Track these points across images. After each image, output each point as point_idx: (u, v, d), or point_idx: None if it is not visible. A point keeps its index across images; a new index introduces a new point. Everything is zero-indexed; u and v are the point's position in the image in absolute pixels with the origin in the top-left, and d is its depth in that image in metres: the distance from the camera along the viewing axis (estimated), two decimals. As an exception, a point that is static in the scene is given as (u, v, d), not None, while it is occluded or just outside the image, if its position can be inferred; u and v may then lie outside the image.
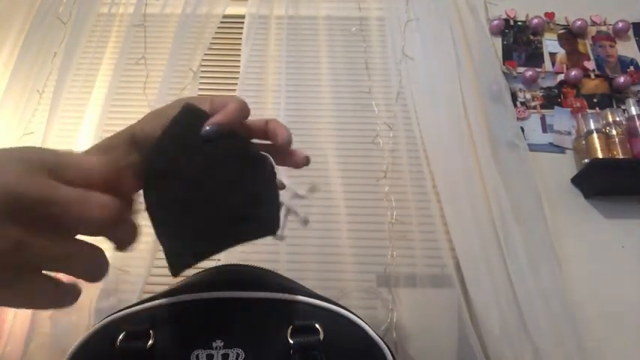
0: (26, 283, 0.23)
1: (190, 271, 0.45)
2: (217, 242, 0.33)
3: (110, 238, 0.28)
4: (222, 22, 1.21)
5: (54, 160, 0.24)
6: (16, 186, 0.22)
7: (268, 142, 0.39)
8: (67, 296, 0.25)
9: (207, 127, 0.34)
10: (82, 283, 0.26)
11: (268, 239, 0.35)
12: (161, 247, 0.33)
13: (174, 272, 0.32)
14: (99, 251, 0.26)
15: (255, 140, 0.40)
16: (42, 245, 0.23)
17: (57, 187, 0.23)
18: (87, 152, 0.34)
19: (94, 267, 0.25)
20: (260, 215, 0.35)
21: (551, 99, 1.15)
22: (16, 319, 0.86)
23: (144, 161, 0.33)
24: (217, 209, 0.33)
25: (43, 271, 0.24)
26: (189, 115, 0.35)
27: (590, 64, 1.19)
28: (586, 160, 1.02)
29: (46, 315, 0.87)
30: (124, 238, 0.28)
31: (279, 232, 0.35)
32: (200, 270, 0.45)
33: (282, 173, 0.38)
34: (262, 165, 0.37)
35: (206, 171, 0.34)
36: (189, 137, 0.34)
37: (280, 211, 0.36)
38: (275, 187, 0.38)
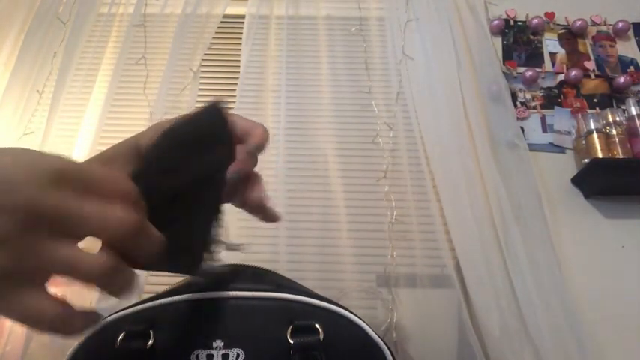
0: (27, 294, 0.22)
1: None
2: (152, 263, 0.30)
3: (131, 248, 0.25)
4: (222, 22, 1.21)
5: (83, 175, 0.24)
6: (30, 198, 0.21)
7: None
8: (73, 321, 0.23)
9: (236, 171, 0.33)
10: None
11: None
12: None
13: None
14: (117, 263, 0.24)
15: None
16: (50, 254, 0.22)
17: (75, 200, 0.22)
18: (88, 162, 0.33)
19: (116, 278, 0.24)
20: (197, 252, 0.32)
21: (551, 99, 1.15)
22: (16, 319, 0.86)
23: (149, 146, 0.31)
24: (182, 228, 0.30)
25: (47, 290, 0.23)
26: (212, 115, 0.33)
27: (590, 64, 1.19)
28: (586, 160, 1.02)
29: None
30: (146, 250, 0.26)
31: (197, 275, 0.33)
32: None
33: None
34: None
35: (198, 180, 0.31)
36: (204, 137, 0.32)
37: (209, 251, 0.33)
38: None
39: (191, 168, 0.32)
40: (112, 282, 0.24)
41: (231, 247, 0.38)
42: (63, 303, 0.23)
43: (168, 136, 0.33)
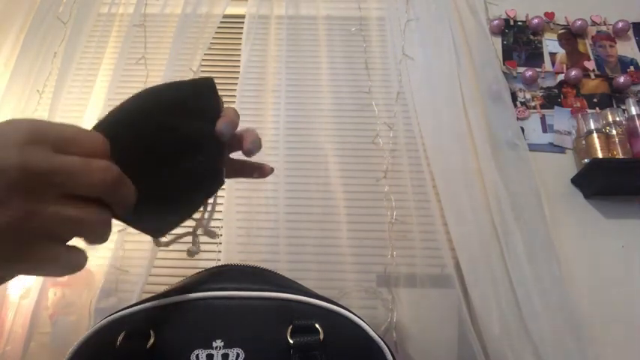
0: (40, 252, 0.24)
1: (191, 271, 0.45)
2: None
3: (113, 200, 0.27)
4: (222, 22, 1.21)
5: (58, 134, 0.25)
6: (19, 159, 0.23)
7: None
8: (78, 261, 0.26)
9: (224, 126, 0.34)
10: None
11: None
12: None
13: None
14: (106, 215, 0.27)
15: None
16: (52, 212, 0.24)
17: (58, 156, 0.24)
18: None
19: (103, 230, 0.27)
20: (163, 216, 0.33)
21: (551, 99, 1.15)
22: (16, 319, 0.86)
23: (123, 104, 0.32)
24: (156, 190, 0.31)
25: (56, 240, 0.25)
26: (201, 87, 0.35)
27: (590, 64, 1.19)
28: (586, 160, 1.02)
29: (46, 315, 0.87)
30: (125, 200, 0.29)
31: (162, 239, 0.34)
32: (200, 270, 0.45)
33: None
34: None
35: (178, 143, 0.32)
36: (190, 103, 0.33)
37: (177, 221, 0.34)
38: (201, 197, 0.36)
39: (171, 131, 0.32)
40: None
41: (208, 232, 0.39)
42: (68, 246, 0.26)
43: (146, 96, 0.33)
